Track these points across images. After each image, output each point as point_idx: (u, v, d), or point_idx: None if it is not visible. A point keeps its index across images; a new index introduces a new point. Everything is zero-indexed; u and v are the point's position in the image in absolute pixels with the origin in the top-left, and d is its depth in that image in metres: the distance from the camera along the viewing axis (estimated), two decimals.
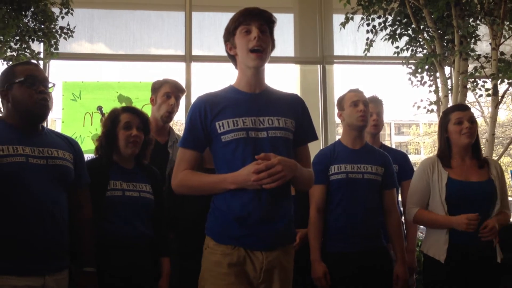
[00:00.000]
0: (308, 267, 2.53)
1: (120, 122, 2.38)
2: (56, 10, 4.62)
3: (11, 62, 4.41)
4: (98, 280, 2.11)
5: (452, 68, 4.77)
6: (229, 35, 1.97)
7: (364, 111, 2.65)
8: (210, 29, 5.78)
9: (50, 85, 2.06)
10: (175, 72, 5.65)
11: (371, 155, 2.69)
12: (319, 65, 5.86)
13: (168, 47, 5.75)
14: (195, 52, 5.64)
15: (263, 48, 1.91)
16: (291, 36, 5.95)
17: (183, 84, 3.21)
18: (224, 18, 5.77)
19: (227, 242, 1.87)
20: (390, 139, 26.05)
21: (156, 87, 3.07)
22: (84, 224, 2.13)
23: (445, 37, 4.67)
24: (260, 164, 1.77)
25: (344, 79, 6.07)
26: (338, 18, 5.56)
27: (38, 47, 4.79)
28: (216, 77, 5.89)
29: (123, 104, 5.26)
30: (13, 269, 1.83)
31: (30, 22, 4.47)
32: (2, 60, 4.44)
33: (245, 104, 1.93)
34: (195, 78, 5.58)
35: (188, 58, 5.58)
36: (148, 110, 3.22)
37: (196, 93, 5.44)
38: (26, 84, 1.97)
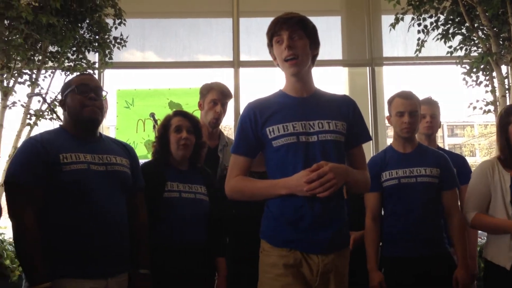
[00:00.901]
0: (357, 270, 2.49)
1: (171, 126, 2.45)
2: (109, 21, 4.79)
3: (68, 72, 4.62)
4: (155, 281, 2.16)
5: (509, 67, 4.58)
6: (269, 45, 1.99)
7: (409, 123, 2.58)
8: (258, 34, 5.82)
9: (103, 93, 2.14)
10: (223, 77, 5.73)
11: (424, 157, 2.61)
12: (368, 67, 5.78)
13: (217, 53, 5.83)
14: (243, 57, 5.70)
15: (296, 55, 1.91)
16: (338, 39, 5.89)
17: (231, 89, 3.23)
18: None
19: (282, 245, 1.88)
20: (443, 141, 25.23)
21: (204, 92, 3.11)
22: (140, 227, 2.18)
23: (501, 35, 4.49)
24: (312, 173, 1.77)
25: (394, 81, 5.95)
26: (387, 19, 5.46)
27: (93, 57, 4.98)
28: (264, 82, 5.92)
29: (174, 110, 5.38)
30: (78, 272, 1.89)
31: (86, 33, 4.66)
32: (60, 70, 4.65)
33: (294, 109, 1.93)
34: (243, 83, 5.64)
35: (236, 63, 5.64)
36: (198, 115, 3.28)
37: (245, 98, 5.51)
38: (78, 92, 2.05)
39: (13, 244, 3.97)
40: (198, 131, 2.51)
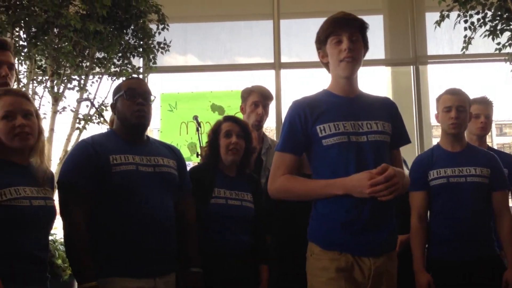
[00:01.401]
0: (402, 273, 2.44)
1: (221, 131, 2.46)
2: (153, 27, 4.90)
3: (115, 78, 4.76)
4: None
5: None
6: (320, 43, 1.98)
7: (456, 118, 2.51)
8: (298, 36, 5.82)
9: (151, 97, 2.18)
10: (264, 79, 5.74)
11: (473, 157, 2.53)
12: (412, 66, 5.66)
13: (257, 55, 5.87)
14: (284, 59, 5.70)
15: (354, 58, 1.90)
16: (381, 38, 5.81)
17: (272, 91, 3.25)
18: (312, 24, 5.79)
19: (333, 248, 1.86)
20: (492, 140, 24.34)
21: (245, 96, 3.14)
22: (189, 227, 2.21)
23: None
24: (375, 175, 1.75)
25: (439, 80, 5.80)
26: (431, 17, 5.34)
27: (138, 62, 5.11)
28: (305, 83, 5.90)
29: (216, 113, 5.45)
30: (127, 272, 1.94)
31: (131, 39, 4.77)
32: (107, 75, 4.80)
33: (343, 108, 1.92)
34: (284, 85, 5.65)
35: (277, 65, 5.65)
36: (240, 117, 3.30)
37: (286, 99, 5.51)
38: (126, 97, 2.10)
39: (64, 244, 4.13)
40: (248, 137, 2.50)
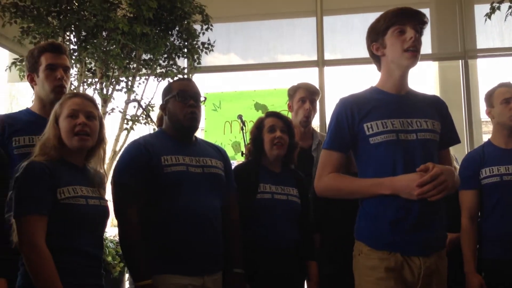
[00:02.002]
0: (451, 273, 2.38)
1: (264, 126, 2.48)
2: (197, 27, 4.96)
3: (160, 78, 4.86)
4: (247, 282, 2.20)
5: None
6: (377, 35, 1.94)
7: None
8: (342, 32, 5.75)
9: (201, 98, 2.21)
10: (308, 77, 5.73)
11: None
12: (460, 61, 5.49)
13: (301, 53, 5.84)
14: (327, 56, 5.66)
15: (417, 50, 1.87)
16: (427, 32, 5.65)
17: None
18: (356, 20, 5.73)
19: (382, 247, 1.84)
20: None
21: (291, 93, 3.16)
22: (233, 227, 2.24)
23: None
24: (424, 176, 1.71)
25: (490, 74, 5.60)
26: (480, 9, 5.16)
27: (183, 62, 5.19)
28: (349, 80, 5.83)
29: (259, 112, 5.47)
30: (178, 269, 1.99)
31: (176, 40, 4.85)
32: (153, 76, 4.90)
33: (392, 106, 1.90)
34: (328, 82, 5.60)
35: (320, 63, 5.61)
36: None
37: (330, 97, 5.46)
38: (178, 98, 2.14)
39: (113, 241, 4.26)
40: (291, 131, 2.52)
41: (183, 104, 2.13)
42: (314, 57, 5.66)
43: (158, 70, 4.88)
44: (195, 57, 4.90)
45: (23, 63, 4.37)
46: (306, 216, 2.48)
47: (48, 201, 1.73)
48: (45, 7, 4.21)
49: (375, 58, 1.99)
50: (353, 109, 1.90)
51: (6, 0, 4.30)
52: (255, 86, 5.70)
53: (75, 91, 4.43)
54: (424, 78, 5.80)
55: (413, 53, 1.86)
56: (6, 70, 4.63)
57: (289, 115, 3.15)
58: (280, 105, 5.37)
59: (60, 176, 1.78)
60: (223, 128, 5.55)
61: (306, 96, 3.07)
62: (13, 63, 4.48)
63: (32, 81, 2.31)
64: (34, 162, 1.77)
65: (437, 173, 1.70)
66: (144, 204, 2.02)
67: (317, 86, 5.39)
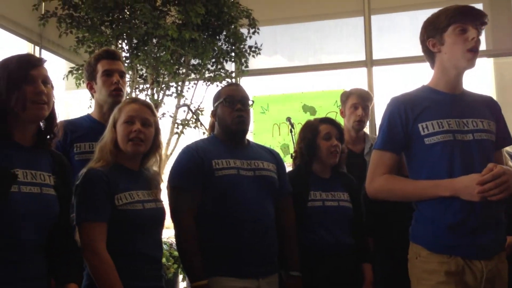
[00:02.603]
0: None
1: (320, 132, 2.45)
2: (244, 31, 5.01)
3: (209, 83, 4.94)
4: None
5: None
6: (436, 30, 1.88)
7: None
8: (391, 31, 5.64)
9: (249, 102, 2.24)
10: (356, 78, 5.65)
11: None
12: None
13: (348, 53, 5.78)
14: (375, 56, 5.57)
15: (477, 50, 1.82)
16: None
17: (364, 89, 3.21)
18: (406, 18, 5.61)
19: (442, 251, 1.78)
20: None
21: (343, 99, 3.16)
22: (289, 230, 2.24)
23: None
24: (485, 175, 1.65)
25: None
26: None
27: (230, 66, 5.25)
28: (398, 80, 5.71)
29: (308, 113, 5.45)
30: (232, 272, 2.01)
31: (223, 45, 4.92)
32: (202, 81, 4.99)
33: (447, 105, 1.85)
34: (377, 82, 5.51)
35: (369, 62, 5.53)
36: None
37: (379, 97, 5.37)
38: (226, 103, 2.18)
39: (167, 243, 4.35)
40: (343, 139, 2.52)
41: (230, 108, 2.16)
42: (362, 57, 5.58)
43: (207, 75, 4.96)
44: (243, 60, 4.95)
45: (79, 72, 4.57)
46: (359, 219, 2.45)
47: (107, 208, 1.79)
48: (98, 17, 4.37)
49: (429, 54, 1.94)
50: (407, 109, 1.86)
51: (62, 11, 4.51)
52: (303, 88, 5.69)
53: (127, 97, 4.57)
54: (479, 76, 5.59)
55: (474, 54, 1.81)
56: (63, 78, 4.85)
57: (337, 118, 3.14)
58: (328, 107, 5.34)
59: (117, 182, 1.84)
60: (271, 130, 5.56)
61: (358, 102, 3.06)
62: (70, 71, 4.67)
63: (91, 89, 2.40)
64: (92, 169, 1.84)
65: (499, 173, 1.64)
66: (198, 208, 2.06)
67: (366, 87, 5.38)
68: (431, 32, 1.90)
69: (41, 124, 1.67)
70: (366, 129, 3.35)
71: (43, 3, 4.62)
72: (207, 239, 2.04)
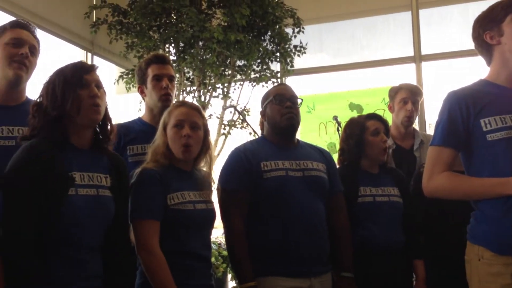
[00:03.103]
0: None
1: (367, 129, 2.43)
2: (289, 31, 5.01)
3: (255, 83, 4.97)
4: (357, 286, 2.18)
5: None
6: (493, 23, 1.82)
7: None
8: (440, 25, 5.49)
9: (298, 101, 2.24)
10: (404, 74, 5.52)
11: None
12: None
13: (396, 49, 5.66)
14: (424, 51, 5.43)
15: None
16: None
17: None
18: (455, 11, 5.43)
19: (508, 252, 1.70)
20: None
21: (392, 94, 3.10)
22: (341, 230, 2.23)
23: None
24: None
25: None
26: None
27: (276, 66, 5.26)
28: (448, 75, 5.54)
29: (354, 112, 5.38)
30: (284, 271, 2.02)
31: (268, 45, 4.93)
32: (248, 82, 5.03)
33: (509, 100, 1.77)
34: (426, 78, 5.37)
35: (417, 58, 5.39)
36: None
37: (429, 93, 5.23)
38: (275, 101, 2.19)
39: (215, 243, 4.41)
40: (389, 134, 2.49)
41: (280, 106, 2.17)
42: (410, 53, 5.45)
43: (252, 75, 4.99)
44: (288, 60, 4.94)
45: (129, 76, 4.72)
46: (409, 214, 2.41)
47: (160, 206, 1.84)
48: (146, 22, 4.49)
49: (486, 49, 1.86)
50: (468, 103, 1.78)
51: (112, 18, 4.66)
52: (349, 86, 5.62)
53: (175, 99, 4.67)
54: None
55: None
56: (114, 83, 5.01)
57: (385, 115, 3.09)
58: (376, 104, 5.25)
59: (170, 182, 1.88)
60: (318, 130, 5.54)
61: (408, 97, 3.00)
62: (120, 76, 4.82)
63: (142, 93, 2.46)
64: (146, 169, 1.89)
65: None
66: (248, 209, 2.08)
67: (415, 83, 5.24)
68: (487, 25, 1.83)
69: (97, 127, 1.73)
70: (415, 125, 3.28)
71: (94, 11, 4.79)
72: (258, 240, 2.05)
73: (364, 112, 5.11)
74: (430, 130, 5.13)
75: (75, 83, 1.62)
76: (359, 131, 2.43)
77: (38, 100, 1.65)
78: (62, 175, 1.57)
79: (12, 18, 2.22)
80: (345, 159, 2.50)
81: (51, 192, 1.53)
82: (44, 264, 1.52)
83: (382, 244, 2.28)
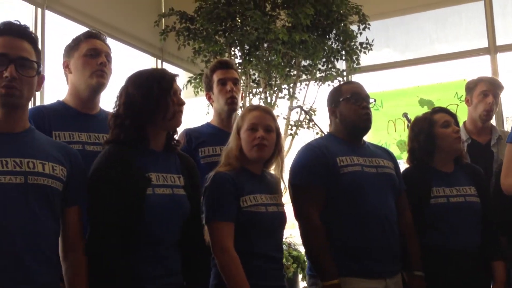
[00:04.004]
0: None
1: (436, 122, 2.34)
2: (354, 28, 4.93)
3: (320, 83, 4.93)
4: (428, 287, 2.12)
5: None
6: None
7: None
8: None
9: (371, 100, 2.21)
10: (478, 66, 5.27)
11: None
12: None
13: (469, 41, 5.41)
14: (499, 41, 5.15)
15: None
16: None
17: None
18: None
19: None
20: None
21: (471, 86, 2.98)
22: (408, 228, 2.18)
23: None
24: None
25: None
26: None
27: (341, 65, 5.20)
28: None
29: (425, 108, 5.20)
30: (361, 272, 2.00)
31: (334, 43, 4.89)
32: (313, 81, 5.01)
33: None
34: (502, 70, 5.09)
35: (492, 49, 5.13)
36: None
37: (505, 86, 4.96)
38: (352, 101, 2.16)
39: (285, 243, 4.42)
40: (459, 127, 2.38)
41: (357, 106, 2.15)
42: (485, 44, 5.19)
43: (318, 75, 4.97)
44: (354, 58, 4.87)
45: (197, 80, 4.84)
46: (489, 215, 2.29)
47: (234, 209, 1.88)
48: (212, 27, 4.59)
49: None
50: None
51: (180, 25, 4.81)
52: (419, 81, 5.44)
53: (241, 102, 4.74)
54: None
55: None
56: (183, 88, 5.16)
57: (458, 111, 2.97)
58: (448, 99, 5.05)
59: (243, 185, 1.92)
60: (386, 127, 5.42)
61: (488, 90, 2.87)
62: (189, 81, 4.97)
63: (209, 99, 2.54)
64: (220, 173, 1.94)
65: None
66: (324, 206, 2.06)
67: (490, 75, 4.99)
68: None
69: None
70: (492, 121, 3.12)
71: (163, 19, 4.96)
72: (333, 238, 2.03)
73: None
74: (508, 125, 4.87)
75: (167, 90, 1.70)
76: (428, 126, 2.34)
77: (120, 107, 1.72)
78: (140, 176, 1.65)
79: (87, 29, 2.32)
80: (415, 159, 2.40)
81: (131, 192, 1.62)
82: (128, 262, 1.60)
83: (456, 247, 2.19)
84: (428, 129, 2.34)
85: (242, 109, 2.98)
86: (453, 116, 2.38)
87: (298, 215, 2.08)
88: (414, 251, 2.15)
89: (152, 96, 1.68)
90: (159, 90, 1.69)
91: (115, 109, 1.74)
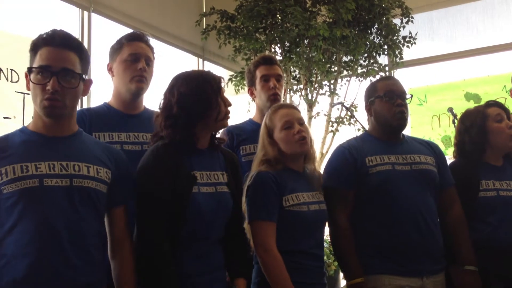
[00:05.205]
0: None
1: (489, 116, 2.29)
2: (397, 21, 4.84)
3: (362, 78, 4.87)
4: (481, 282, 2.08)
5: None
6: None
7: None
8: None
9: (407, 97, 2.17)
10: None
11: None
12: None
13: None
14: None
15: None
16: None
17: None
18: None
19: None
20: None
21: None
22: (457, 223, 2.14)
23: None
24: None
25: None
26: None
27: (383, 59, 5.11)
28: None
29: (471, 102, 5.05)
30: (394, 269, 1.99)
31: (376, 38, 4.81)
32: (354, 77, 4.95)
33: None
34: None
35: None
36: None
37: None
38: (385, 98, 2.12)
39: (326, 241, 4.40)
40: (511, 121, 2.31)
41: (390, 104, 2.11)
42: None
43: (359, 70, 4.91)
44: (397, 52, 4.78)
45: (238, 78, 4.88)
46: None
47: (276, 208, 1.89)
48: (253, 25, 4.61)
49: None
50: None
51: (221, 24, 4.86)
52: (464, 75, 5.29)
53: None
54: None
55: None
56: (224, 86, 5.20)
57: (506, 103, 2.86)
58: (496, 93, 4.89)
59: (285, 184, 1.92)
60: (430, 122, 5.30)
61: None
62: (230, 79, 5.01)
63: (252, 94, 2.54)
64: (262, 172, 1.94)
65: None
66: (354, 206, 2.07)
67: None
68: None
69: None
70: None
71: (204, 19, 5.02)
72: (367, 237, 2.03)
73: (483, 102, 4.79)
74: None
75: (217, 91, 1.75)
76: (480, 119, 2.28)
77: (172, 107, 1.74)
78: (187, 174, 1.69)
79: (131, 30, 2.37)
80: (464, 152, 2.35)
81: (178, 191, 1.66)
82: (176, 260, 1.65)
83: (507, 242, 2.13)
84: (481, 122, 2.28)
85: None
86: (506, 110, 2.32)
87: (327, 217, 2.09)
88: (465, 245, 2.10)
89: (205, 96, 1.71)
90: (212, 91, 1.73)
91: (165, 108, 1.77)
